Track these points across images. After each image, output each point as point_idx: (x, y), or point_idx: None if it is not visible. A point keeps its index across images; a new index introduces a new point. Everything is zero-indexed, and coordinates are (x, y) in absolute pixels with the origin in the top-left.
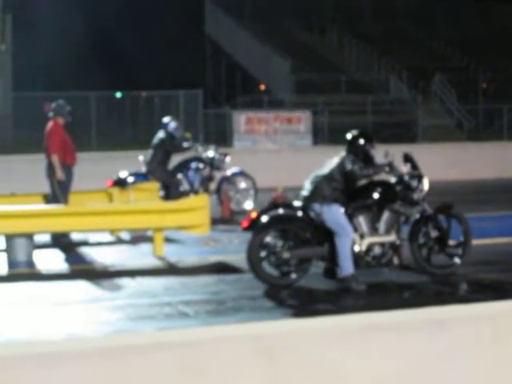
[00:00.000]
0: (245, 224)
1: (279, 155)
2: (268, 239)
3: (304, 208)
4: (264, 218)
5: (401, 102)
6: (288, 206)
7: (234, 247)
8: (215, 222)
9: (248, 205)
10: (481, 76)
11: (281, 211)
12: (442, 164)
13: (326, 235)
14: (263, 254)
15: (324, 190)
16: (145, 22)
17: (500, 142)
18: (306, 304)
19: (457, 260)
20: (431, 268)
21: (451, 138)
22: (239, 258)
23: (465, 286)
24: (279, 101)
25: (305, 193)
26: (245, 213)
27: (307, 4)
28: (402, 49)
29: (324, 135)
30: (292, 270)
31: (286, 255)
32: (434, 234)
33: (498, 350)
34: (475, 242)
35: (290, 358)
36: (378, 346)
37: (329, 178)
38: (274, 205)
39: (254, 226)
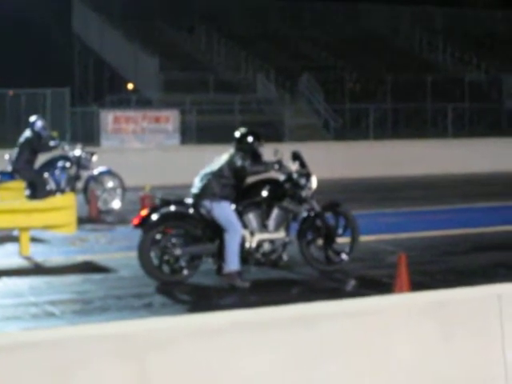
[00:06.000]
0: (135, 221)
1: (147, 154)
2: (159, 236)
3: (195, 205)
4: (155, 216)
5: (268, 102)
6: (179, 203)
7: (100, 247)
8: (82, 221)
9: (115, 204)
10: (347, 76)
11: (172, 208)
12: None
13: (216, 232)
14: (154, 251)
15: (214, 186)
16: (11, 18)
17: (366, 141)
18: (177, 302)
19: (344, 256)
20: (319, 264)
21: (318, 138)
22: (106, 258)
23: (352, 282)
24: (147, 100)
25: (194, 190)
26: (112, 212)
27: (176, 3)
28: (270, 48)
29: (192, 134)
30: (183, 266)
31: (177, 252)
32: (321, 231)
33: (365, 346)
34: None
35: (158, 357)
36: (248, 343)
37: (218, 174)
38: (165, 202)
39: (145, 223)
